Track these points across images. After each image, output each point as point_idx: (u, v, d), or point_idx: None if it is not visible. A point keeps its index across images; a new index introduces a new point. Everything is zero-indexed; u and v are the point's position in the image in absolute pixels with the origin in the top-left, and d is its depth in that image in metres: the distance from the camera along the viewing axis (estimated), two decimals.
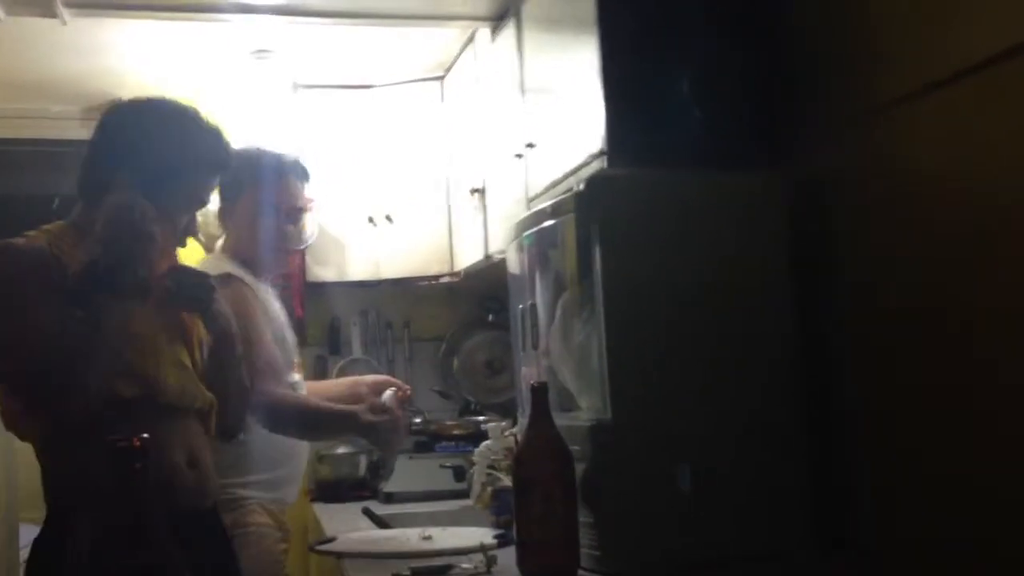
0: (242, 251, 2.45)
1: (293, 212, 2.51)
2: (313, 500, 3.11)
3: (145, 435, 0.85)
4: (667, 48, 1.92)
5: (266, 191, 2.46)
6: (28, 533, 3.09)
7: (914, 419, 1.59)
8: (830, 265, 1.81)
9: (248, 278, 2.40)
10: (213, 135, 1.91)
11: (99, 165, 1.84)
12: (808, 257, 1.82)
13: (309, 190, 2.93)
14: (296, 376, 2.48)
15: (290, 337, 2.49)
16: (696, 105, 1.91)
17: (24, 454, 3.10)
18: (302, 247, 3.31)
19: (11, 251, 1.69)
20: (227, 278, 2.30)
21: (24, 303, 1.63)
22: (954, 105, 1.48)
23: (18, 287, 1.64)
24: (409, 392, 2.59)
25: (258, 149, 2.53)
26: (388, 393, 2.42)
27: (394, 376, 3.63)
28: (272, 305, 2.46)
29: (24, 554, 3.01)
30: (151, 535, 0.86)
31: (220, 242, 2.55)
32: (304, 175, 2.56)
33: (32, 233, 1.76)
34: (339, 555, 2.07)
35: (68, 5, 2.57)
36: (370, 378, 2.72)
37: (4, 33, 2.85)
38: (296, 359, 2.50)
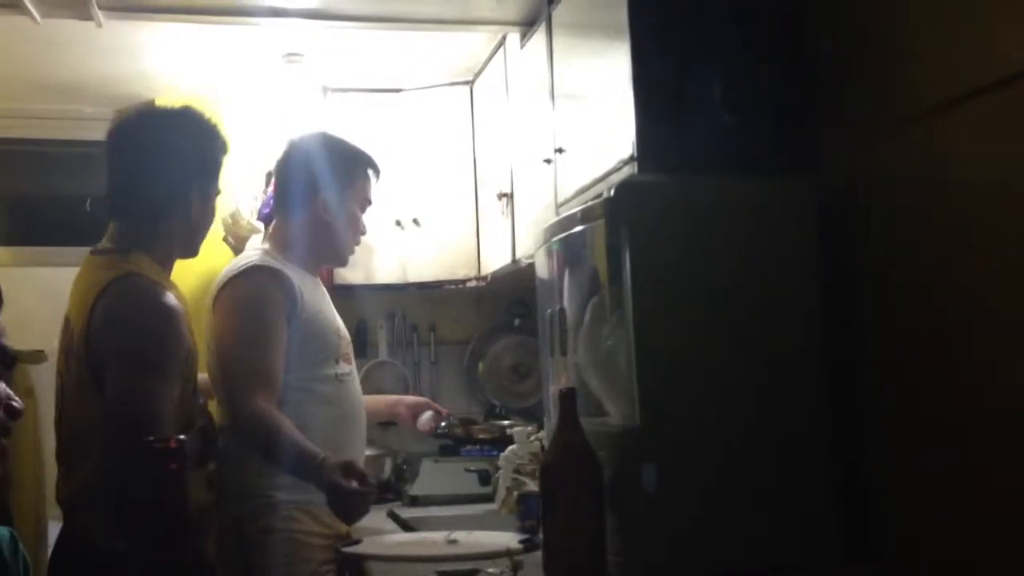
0: (298, 242, 2.39)
1: (366, 204, 2.52)
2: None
3: (181, 436, 0.86)
4: (698, 54, 1.92)
5: (355, 183, 2.46)
6: (55, 531, 3.12)
7: (943, 429, 1.58)
8: (859, 272, 1.80)
9: (288, 270, 2.32)
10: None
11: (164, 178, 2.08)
12: (837, 264, 1.81)
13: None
14: (345, 367, 2.41)
15: (336, 327, 2.42)
16: (726, 111, 1.90)
17: (53, 452, 3.14)
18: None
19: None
20: (248, 271, 2.28)
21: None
22: (990, 114, 1.47)
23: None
24: (446, 416, 2.62)
25: (338, 140, 2.53)
26: (425, 417, 2.42)
27: (419, 380, 3.67)
28: (314, 297, 2.37)
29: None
30: (184, 535, 0.86)
31: (263, 236, 2.54)
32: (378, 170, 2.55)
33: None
34: (365, 558, 2.07)
35: (103, 8, 2.60)
36: (410, 399, 2.70)
37: (39, 35, 2.89)
38: (346, 350, 2.44)
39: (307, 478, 2.12)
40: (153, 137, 2.11)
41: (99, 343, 1.93)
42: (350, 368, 2.44)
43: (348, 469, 2.06)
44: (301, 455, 2.11)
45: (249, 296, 2.29)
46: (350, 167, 2.46)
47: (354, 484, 2.04)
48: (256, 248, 2.49)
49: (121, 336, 1.93)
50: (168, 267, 2.12)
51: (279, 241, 2.43)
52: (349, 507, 2.09)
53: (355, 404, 2.42)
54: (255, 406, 2.15)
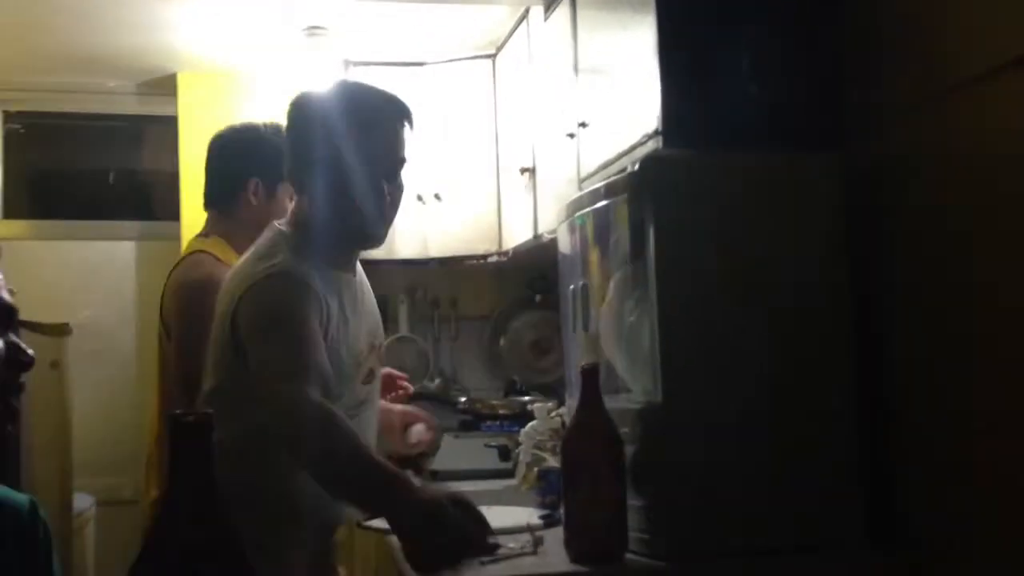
0: (317, 225, 1.83)
1: (396, 164, 1.86)
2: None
3: (210, 410, 0.86)
4: (725, 26, 1.89)
5: (375, 138, 1.84)
6: (80, 501, 3.16)
7: (968, 412, 1.56)
8: (888, 250, 1.77)
9: (315, 276, 1.77)
10: None
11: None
12: (864, 241, 1.78)
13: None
14: (361, 392, 1.89)
15: (357, 351, 1.86)
16: (753, 85, 1.88)
17: (78, 425, 3.17)
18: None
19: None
20: (272, 279, 1.75)
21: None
22: (1020, 88, 1.44)
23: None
24: (436, 429, 2.25)
25: (353, 89, 1.98)
26: (416, 429, 2.17)
27: (440, 356, 3.67)
28: (341, 316, 1.82)
29: (77, 523, 3.08)
30: (213, 511, 0.86)
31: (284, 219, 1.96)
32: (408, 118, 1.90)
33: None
34: (386, 532, 2.08)
35: None
36: (400, 408, 2.21)
37: (64, 7, 2.89)
38: (369, 367, 1.92)
39: (380, 505, 1.59)
40: (223, 138, 2.38)
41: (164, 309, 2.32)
42: (368, 390, 1.91)
43: (465, 506, 1.53)
44: (378, 469, 1.57)
45: (275, 308, 1.75)
46: (367, 119, 1.84)
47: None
48: (276, 228, 1.87)
49: (171, 304, 2.28)
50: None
51: (297, 224, 1.86)
52: (445, 554, 1.50)
53: (366, 434, 1.86)
54: (307, 395, 1.62)
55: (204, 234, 2.36)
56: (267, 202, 2.29)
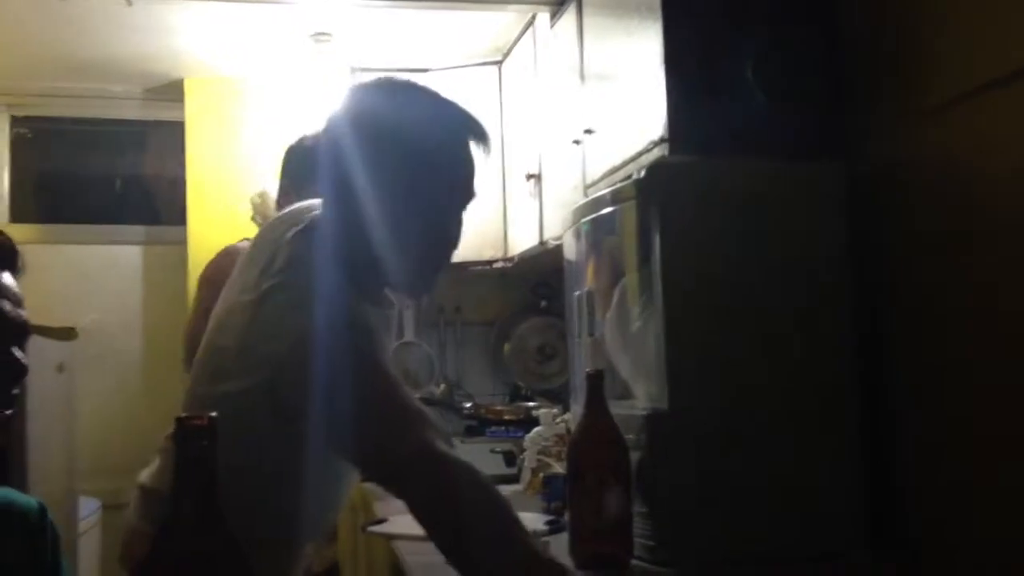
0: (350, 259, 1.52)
1: (465, 198, 1.58)
2: (363, 480, 3.13)
3: (213, 414, 0.86)
4: (731, 35, 1.89)
5: (441, 170, 1.55)
6: (86, 506, 3.16)
7: (970, 420, 1.56)
8: (890, 259, 1.77)
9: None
10: None
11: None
12: (868, 250, 1.79)
13: None
14: None
15: None
16: (759, 93, 1.88)
17: (85, 429, 3.18)
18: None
19: None
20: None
21: None
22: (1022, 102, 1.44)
23: None
24: None
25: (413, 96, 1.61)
26: None
27: (445, 361, 3.67)
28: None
29: (83, 526, 3.09)
30: (216, 518, 0.86)
31: None
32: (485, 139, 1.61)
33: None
34: (391, 537, 2.08)
35: None
36: None
37: (70, 13, 2.90)
38: None
39: None
40: None
41: None
42: None
43: None
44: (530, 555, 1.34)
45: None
46: (432, 144, 1.52)
47: None
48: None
49: None
50: None
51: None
52: None
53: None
54: (431, 444, 1.37)
55: None
56: None
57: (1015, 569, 1.47)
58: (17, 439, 2.38)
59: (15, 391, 1.16)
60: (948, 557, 1.62)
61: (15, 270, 1.20)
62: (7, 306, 1.15)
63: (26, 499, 1.24)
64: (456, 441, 3.07)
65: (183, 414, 0.86)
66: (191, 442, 0.85)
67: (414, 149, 1.47)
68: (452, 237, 1.54)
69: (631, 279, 1.80)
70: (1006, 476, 1.49)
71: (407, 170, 1.46)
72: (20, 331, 1.16)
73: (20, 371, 1.15)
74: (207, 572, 0.89)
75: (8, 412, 1.15)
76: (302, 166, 2.02)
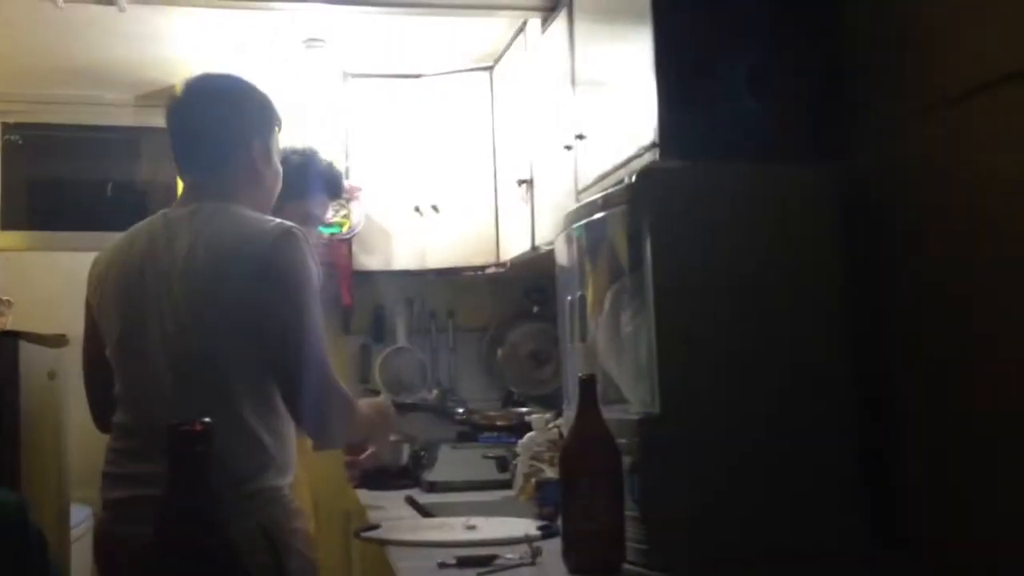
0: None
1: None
2: (357, 487, 3.13)
3: (207, 419, 0.86)
4: (722, 39, 1.90)
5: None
6: (77, 513, 3.15)
7: (969, 418, 1.56)
8: (884, 261, 1.78)
9: None
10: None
11: None
12: (861, 252, 1.79)
13: (356, 178, 3.11)
14: None
15: None
16: (750, 97, 1.88)
17: (76, 436, 3.16)
18: (349, 236, 3.33)
19: None
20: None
21: None
22: (1018, 101, 1.45)
23: None
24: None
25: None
26: None
27: (438, 367, 3.66)
28: None
29: (75, 533, 3.07)
30: (210, 518, 0.86)
31: None
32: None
33: None
34: (384, 543, 2.08)
35: None
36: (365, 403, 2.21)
37: (61, 19, 2.90)
38: None
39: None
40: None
41: None
42: None
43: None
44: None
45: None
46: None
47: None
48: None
49: None
50: None
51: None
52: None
53: None
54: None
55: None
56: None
57: (1015, 568, 1.47)
58: (8, 446, 2.37)
59: None
60: (948, 556, 1.62)
61: None
62: None
63: (2, 492, 1.23)
64: (448, 447, 3.08)
65: (175, 420, 0.86)
66: (184, 448, 0.85)
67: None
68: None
69: (622, 284, 1.80)
70: (1006, 476, 1.49)
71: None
72: None
73: None
74: (203, 573, 0.89)
75: None
76: (287, 181, 2.12)
